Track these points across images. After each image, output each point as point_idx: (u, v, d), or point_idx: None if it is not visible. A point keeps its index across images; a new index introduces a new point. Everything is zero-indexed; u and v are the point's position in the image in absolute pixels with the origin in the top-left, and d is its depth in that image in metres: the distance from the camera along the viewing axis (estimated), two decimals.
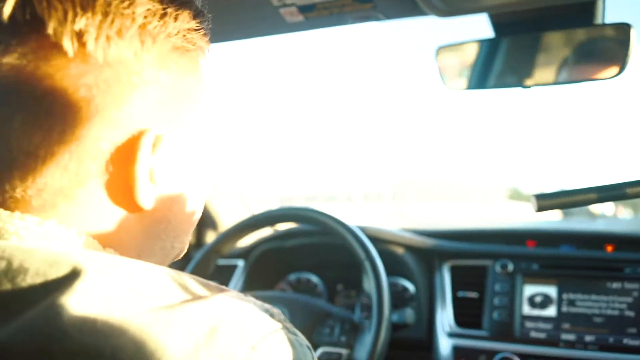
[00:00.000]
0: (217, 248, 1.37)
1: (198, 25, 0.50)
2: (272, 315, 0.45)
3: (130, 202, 0.48)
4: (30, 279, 0.40)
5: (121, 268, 0.42)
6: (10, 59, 0.43)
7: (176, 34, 0.48)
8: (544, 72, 1.14)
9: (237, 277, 1.62)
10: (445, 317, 1.41)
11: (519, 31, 1.13)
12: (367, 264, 1.18)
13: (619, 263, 1.34)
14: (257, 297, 0.49)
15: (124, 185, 0.47)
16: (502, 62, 1.17)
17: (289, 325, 0.45)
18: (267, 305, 0.46)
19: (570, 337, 1.29)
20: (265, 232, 1.69)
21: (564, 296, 1.34)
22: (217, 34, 1.05)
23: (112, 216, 0.48)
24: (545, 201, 0.76)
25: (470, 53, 1.16)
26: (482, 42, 1.16)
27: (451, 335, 1.38)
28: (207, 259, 1.35)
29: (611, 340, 1.26)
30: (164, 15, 0.47)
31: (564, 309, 1.33)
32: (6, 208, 0.45)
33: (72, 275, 0.40)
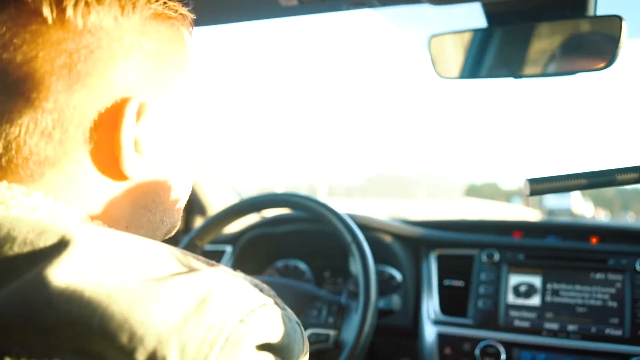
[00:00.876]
0: (204, 233, 1.37)
1: None
2: (261, 290, 0.44)
3: (117, 172, 0.48)
4: (18, 248, 0.40)
5: (110, 240, 0.42)
6: None
7: (156, 1, 0.48)
8: (535, 63, 1.15)
9: (225, 263, 1.62)
10: (431, 305, 1.43)
11: (511, 21, 1.14)
12: (353, 247, 1.19)
13: (603, 255, 1.35)
14: None
15: (109, 155, 0.47)
16: (495, 52, 1.17)
17: (279, 300, 0.45)
18: (256, 281, 0.46)
19: (554, 326, 1.31)
20: (254, 218, 1.69)
21: (548, 286, 1.35)
22: (211, 17, 1.05)
23: (100, 187, 0.48)
24: (538, 185, 0.77)
25: (463, 42, 1.16)
26: (475, 32, 1.16)
27: (436, 322, 1.39)
28: (193, 244, 1.35)
29: (593, 330, 1.28)
30: None
31: (548, 298, 1.34)
32: (9, 183, 0.44)
33: (60, 245, 0.40)
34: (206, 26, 1.09)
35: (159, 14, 0.49)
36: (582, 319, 1.30)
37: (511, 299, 1.37)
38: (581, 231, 1.47)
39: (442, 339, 1.36)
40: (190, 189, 0.59)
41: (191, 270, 0.42)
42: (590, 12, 1.06)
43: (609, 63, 1.05)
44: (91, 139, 0.46)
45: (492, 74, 1.21)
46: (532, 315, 1.34)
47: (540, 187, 0.78)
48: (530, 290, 1.36)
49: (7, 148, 0.44)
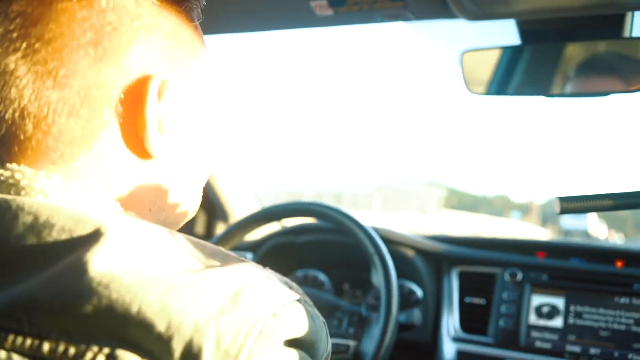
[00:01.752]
0: (226, 239, 1.37)
1: None
2: (290, 287, 0.45)
3: (141, 151, 0.49)
4: (56, 234, 0.40)
5: (146, 231, 0.43)
6: (17, 6, 0.44)
7: None
8: (567, 83, 1.14)
9: None
10: (451, 322, 1.41)
11: (545, 39, 1.14)
12: (376, 258, 1.19)
13: (628, 279, 1.33)
14: None
15: (134, 133, 0.48)
16: (527, 70, 1.17)
17: (307, 298, 0.46)
18: (285, 278, 0.47)
19: (576, 349, 1.29)
20: (275, 226, 1.69)
21: (572, 308, 1.33)
22: (249, 24, 1.06)
23: (125, 166, 0.49)
24: (568, 203, 0.76)
25: (495, 59, 1.16)
26: (508, 49, 1.16)
27: (456, 339, 1.38)
28: None
29: (616, 354, 1.26)
30: None
31: (571, 320, 1.32)
32: (25, 157, 0.46)
33: (98, 233, 0.40)
34: (245, 33, 1.10)
35: None
36: (605, 343, 1.28)
37: (533, 319, 1.35)
38: (606, 254, 1.45)
39: (461, 356, 1.34)
40: (209, 175, 0.60)
41: (224, 263, 0.43)
42: (626, 34, 1.06)
43: None
44: (117, 117, 0.47)
45: (524, 91, 1.21)
46: (554, 337, 1.32)
47: (570, 205, 0.77)
48: (552, 312, 1.34)
49: (36, 128, 0.45)
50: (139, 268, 0.39)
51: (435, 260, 1.51)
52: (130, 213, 0.48)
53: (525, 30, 1.13)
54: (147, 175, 0.50)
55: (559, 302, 1.35)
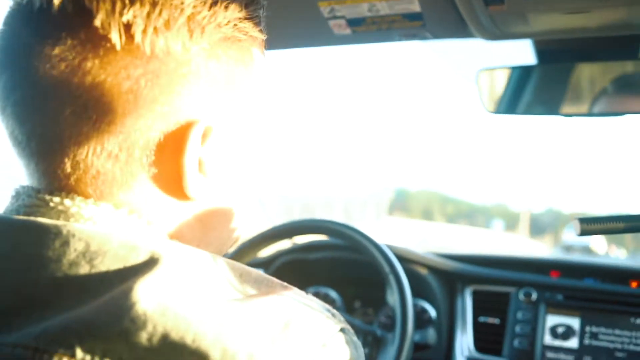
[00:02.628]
0: (238, 256, 1.37)
1: (250, 13, 0.49)
2: (333, 316, 0.45)
3: (180, 193, 0.48)
4: (109, 262, 0.40)
5: (196, 259, 0.43)
6: (59, 51, 0.43)
7: (226, 24, 0.47)
8: (583, 102, 1.15)
9: None
10: (465, 342, 1.40)
11: (561, 59, 1.14)
12: (391, 278, 1.18)
13: None
14: None
15: (174, 176, 0.47)
16: (543, 90, 1.17)
17: (348, 326, 0.46)
18: (327, 306, 0.47)
19: None
20: (287, 243, 1.69)
21: (587, 329, 1.32)
22: (268, 43, 1.07)
23: (167, 207, 0.48)
24: (588, 225, 0.75)
25: (512, 78, 1.17)
26: (524, 68, 1.17)
27: None
28: None
29: None
30: (214, 4, 0.46)
31: (586, 341, 1.31)
32: (67, 193, 0.45)
33: (151, 262, 0.41)
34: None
35: (228, 37, 0.48)
36: None
37: (548, 339, 1.34)
38: (620, 274, 1.44)
39: None
40: (252, 204, 0.60)
41: (270, 291, 0.44)
42: None
43: None
44: (156, 161, 0.46)
45: (539, 110, 1.21)
46: (570, 357, 1.31)
47: (590, 227, 0.76)
48: (568, 332, 1.33)
49: (75, 168, 0.45)
50: (193, 297, 0.39)
51: (449, 278, 1.50)
52: (175, 241, 0.48)
53: (541, 50, 1.13)
54: (185, 216, 0.50)
55: (574, 322, 1.34)
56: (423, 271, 1.50)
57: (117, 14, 0.42)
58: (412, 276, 1.45)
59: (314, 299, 0.46)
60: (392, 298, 1.18)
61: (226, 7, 0.47)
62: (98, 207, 0.45)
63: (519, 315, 1.38)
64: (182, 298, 0.39)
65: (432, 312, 1.47)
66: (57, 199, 0.45)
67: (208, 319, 0.38)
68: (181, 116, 0.46)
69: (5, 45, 0.46)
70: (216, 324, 0.38)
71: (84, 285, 0.40)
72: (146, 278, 0.39)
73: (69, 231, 0.42)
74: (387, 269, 1.19)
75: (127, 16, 0.42)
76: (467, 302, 1.45)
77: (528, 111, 1.17)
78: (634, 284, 1.39)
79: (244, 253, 1.37)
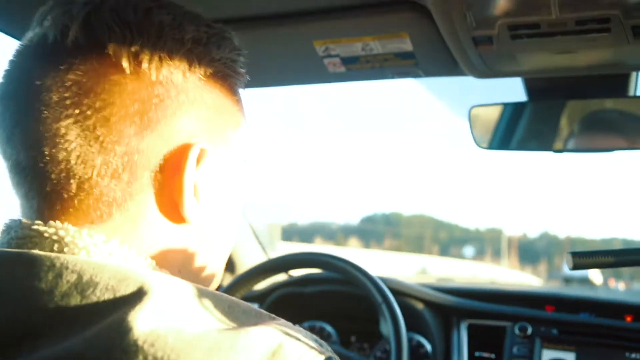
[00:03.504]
0: (233, 290, 1.37)
1: (236, 55, 0.55)
2: (320, 345, 0.47)
3: (176, 215, 0.51)
4: (100, 293, 0.42)
5: (184, 290, 0.45)
6: (73, 76, 0.47)
7: (218, 60, 0.53)
8: (574, 139, 1.17)
9: None
10: None
11: (552, 97, 1.17)
12: (384, 307, 1.19)
13: (638, 333, 1.32)
14: None
15: (170, 198, 0.50)
16: (534, 126, 1.20)
17: (335, 356, 0.47)
18: (314, 336, 0.48)
19: None
20: (282, 276, 1.69)
21: None
22: (263, 80, 1.09)
23: (158, 230, 0.51)
24: (581, 259, 0.76)
25: (503, 114, 1.19)
26: (514, 105, 1.19)
27: None
28: None
29: None
30: (208, 43, 0.52)
31: None
32: (67, 215, 0.48)
33: (141, 293, 0.42)
34: (262, 87, 1.13)
35: (219, 71, 0.53)
36: None
37: None
38: (615, 308, 1.44)
39: None
40: (234, 241, 0.62)
41: (258, 321, 0.45)
42: (631, 92, 1.09)
43: None
44: (155, 182, 0.49)
45: (530, 147, 1.23)
46: None
47: (583, 261, 0.77)
48: None
49: (80, 188, 0.47)
50: (182, 327, 0.40)
51: (444, 313, 1.50)
52: (164, 270, 0.50)
53: (531, 87, 1.16)
54: (178, 239, 0.52)
55: (570, 357, 1.33)
56: (418, 305, 1.50)
57: (127, 44, 0.48)
58: (408, 310, 1.45)
59: (302, 329, 0.47)
60: (386, 328, 1.18)
61: (218, 47, 0.53)
62: (91, 238, 0.47)
63: (515, 350, 1.37)
64: (172, 328, 0.40)
65: (428, 347, 1.46)
66: (51, 230, 0.47)
67: (197, 349, 0.39)
68: (179, 139, 0.50)
69: (14, 76, 0.50)
70: (205, 354, 0.39)
71: (75, 317, 0.41)
72: (136, 309, 0.40)
73: (62, 263, 0.43)
74: (379, 299, 1.19)
75: (136, 46, 0.48)
76: (463, 337, 1.45)
77: (519, 147, 1.19)
78: (628, 319, 1.40)
79: (239, 286, 1.37)
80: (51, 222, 0.47)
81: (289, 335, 0.44)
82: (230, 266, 1.76)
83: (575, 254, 0.77)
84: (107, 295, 0.42)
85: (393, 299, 1.19)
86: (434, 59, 0.99)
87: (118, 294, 0.42)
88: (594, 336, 1.35)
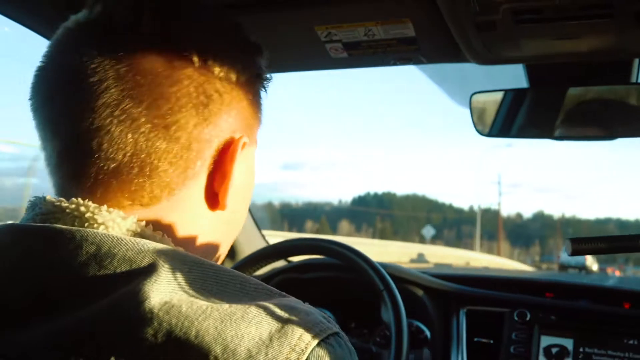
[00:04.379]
0: None
1: (266, 62, 0.62)
2: (328, 321, 0.48)
3: (215, 202, 0.56)
4: (117, 264, 0.44)
5: (200, 264, 0.47)
6: (149, 65, 0.50)
7: (259, 66, 0.60)
8: (574, 126, 1.17)
9: None
10: None
11: (552, 84, 1.16)
12: (385, 294, 1.20)
13: (636, 320, 1.34)
14: None
15: (212, 186, 0.55)
16: (534, 113, 1.20)
17: (343, 334, 0.49)
18: (323, 313, 0.50)
19: None
20: (282, 262, 1.69)
21: (581, 349, 1.33)
22: (269, 66, 1.09)
23: (196, 214, 0.55)
24: (580, 245, 0.77)
25: (504, 101, 1.19)
26: (516, 92, 1.19)
27: None
28: None
29: None
30: (255, 51, 0.59)
31: None
32: (119, 199, 0.51)
33: (157, 265, 0.44)
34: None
35: (259, 75, 0.60)
36: None
37: None
38: (614, 295, 1.45)
39: None
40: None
41: (269, 297, 0.47)
42: (633, 79, 1.09)
43: None
44: (205, 170, 0.54)
45: (530, 133, 1.23)
46: None
47: (582, 247, 0.78)
48: (561, 353, 1.34)
49: (141, 171, 0.50)
50: (195, 298, 0.42)
51: (444, 299, 1.51)
52: (179, 248, 0.51)
53: (533, 74, 1.15)
54: (210, 223, 0.57)
55: (568, 343, 1.34)
56: (418, 292, 1.51)
57: (198, 41, 0.53)
58: (408, 296, 1.46)
59: (311, 307, 0.49)
60: (387, 315, 1.19)
61: (260, 54, 0.60)
62: (110, 214, 0.49)
63: (513, 335, 1.38)
64: (186, 298, 0.42)
65: (427, 332, 1.48)
66: (72, 206, 0.49)
67: (210, 318, 0.41)
68: (229, 131, 0.55)
69: (67, 59, 0.51)
70: (218, 322, 0.40)
71: (93, 286, 0.43)
72: (152, 279, 0.42)
73: (82, 236, 0.45)
74: (380, 285, 1.20)
75: (206, 44, 0.53)
76: (462, 323, 1.46)
77: (519, 134, 1.19)
78: (626, 306, 1.41)
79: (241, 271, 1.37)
80: (73, 200, 0.49)
81: (298, 310, 0.45)
82: (230, 252, 1.77)
83: (574, 240, 0.78)
84: (124, 267, 0.44)
85: (394, 286, 1.20)
86: (437, 45, 0.99)
87: (134, 265, 0.44)
88: (592, 323, 1.36)
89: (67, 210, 0.49)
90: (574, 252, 0.77)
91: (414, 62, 1.08)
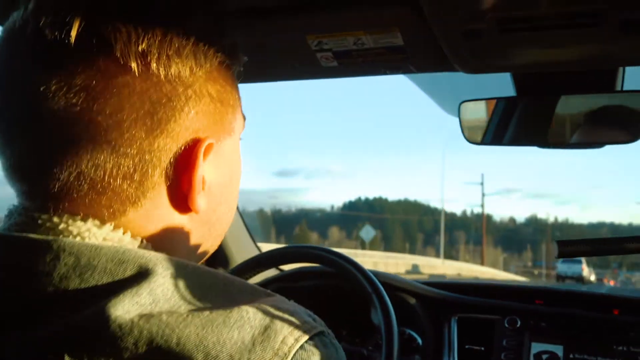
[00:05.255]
0: None
1: (236, 41, 0.56)
2: (314, 320, 0.48)
3: (184, 207, 0.52)
4: (98, 277, 0.43)
5: (182, 269, 0.46)
6: (80, 80, 0.45)
7: (223, 49, 0.53)
8: (562, 134, 1.18)
9: None
10: None
11: (540, 92, 1.18)
12: (374, 297, 1.21)
13: (625, 327, 1.34)
14: None
15: (180, 192, 0.51)
16: (522, 121, 1.21)
17: (329, 330, 0.49)
18: (308, 311, 0.50)
19: None
20: (274, 270, 1.69)
21: (571, 356, 1.34)
22: (256, 75, 1.10)
23: (167, 221, 0.52)
24: (567, 247, 0.77)
25: (492, 110, 1.20)
26: (504, 100, 1.20)
27: None
28: None
29: None
30: (211, 33, 0.52)
31: None
32: (76, 213, 0.48)
33: (139, 275, 0.43)
34: (254, 83, 1.14)
35: (224, 61, 0.54)
36: None
37: None
38: (603, 302, 1.46)
39: None
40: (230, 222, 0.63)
41: (253, 298, 0.46)
42: (619, 87, 1.10)
43: (636, 137, 1.08)
44: (166, 179, 0.50)
45: (519, 142, 1.24)
46: None
47: (568, 249, 0.78)
48: (552, 359, 1.34)
49: (92, 189, 0.47)
50: (178, 306, 0.42)
51: (435, 306, 1.51)
52: (160, 252, 0.50)
53: (520, 82, 1.17)
54: (184, 227, 0.54)
55: (558, 349, 1.35)
56: (410, 300, 1.51)
57: (133, 44, 0.46)
58: (400, 304, 1.46)
59: (297, 305, 0.49)
60: (377, 318, 1.19)
61: (221, 35, 0.53)
62: (85, 224, 0.47)
63: (504, 342, 1.39)
64: (167, 307, 0.41)
65: (419, 340, 1.48)
66: (45, 216, 0.47)
67: (191, 325, 0.40)
68: (187, 135, 0.50)
69: (8, 76, 0.48)
70: (199, 329, 0.40)
71: (74, 299, 0.42)
72: (133, 292, 0.41)
73: (59, 246, 0.44)
74: (369, 289, 1.21)
75: (143, 45, 0.46)
76: (454, 330, 1.46)
77: (508, 142, 1.21)
78: (616, 312, 1.42)
79: None
80: (43, 215, 0.47)
81: (282, 310, 0.45)
82: (222, 260, 1.76)
83: (561, 242, 0.79)
84: (105, 279, 0.43)
85: (382, 289, 1.21)
86: (425, 53, 1.00)
87: (116, 277, 0.43)
88: (582, 329, 1.37)
89: (39, 222, 0.47)
90: (560, 255, 0.78)
91: (404, 71, 1.09)
